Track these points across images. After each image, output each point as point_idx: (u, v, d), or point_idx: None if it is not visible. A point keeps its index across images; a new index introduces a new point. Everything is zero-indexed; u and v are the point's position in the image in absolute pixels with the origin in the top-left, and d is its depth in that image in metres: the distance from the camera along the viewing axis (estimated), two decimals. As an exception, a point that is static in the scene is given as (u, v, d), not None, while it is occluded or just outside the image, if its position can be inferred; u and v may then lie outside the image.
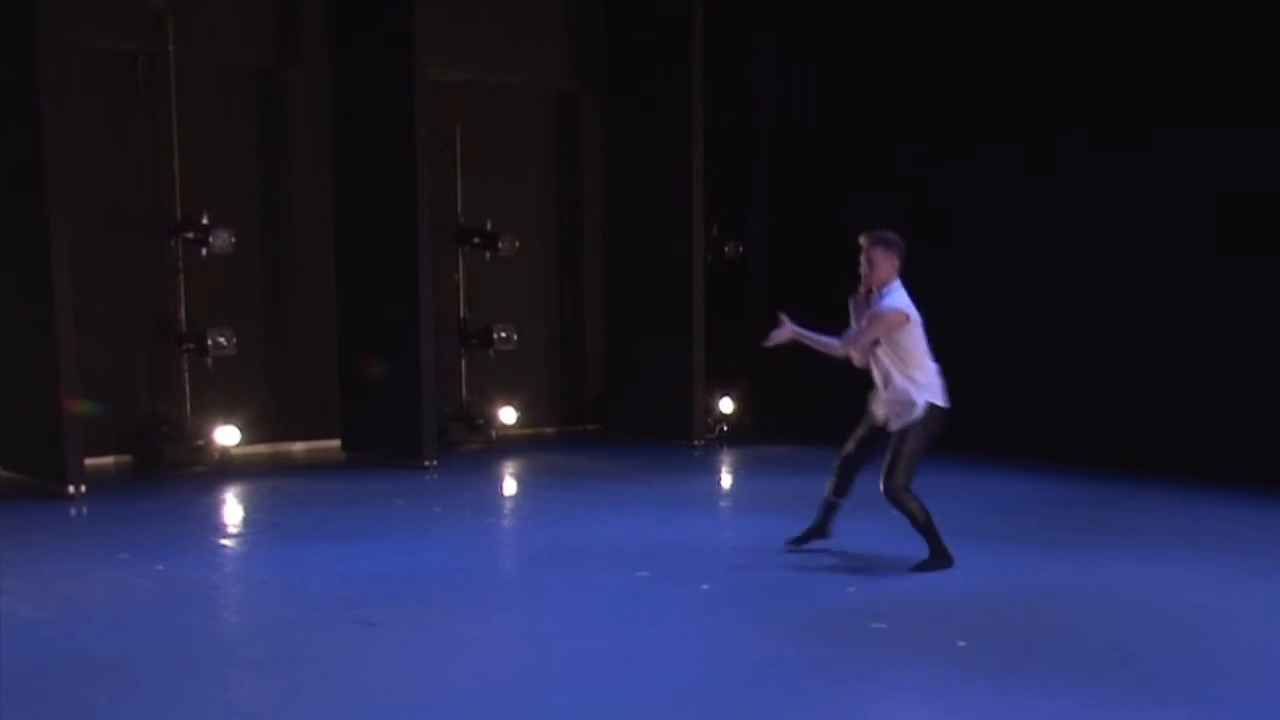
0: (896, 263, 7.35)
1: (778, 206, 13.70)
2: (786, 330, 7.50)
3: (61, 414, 9.74)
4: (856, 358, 7.46)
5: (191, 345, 11.31)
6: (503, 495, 10.98)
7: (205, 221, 11.20)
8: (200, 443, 11.42)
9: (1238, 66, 10.08)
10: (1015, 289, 11.46)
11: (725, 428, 13.45)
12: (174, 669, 5.71)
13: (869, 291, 7.41)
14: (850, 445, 7.71)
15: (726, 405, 13.47)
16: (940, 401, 7.38)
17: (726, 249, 13.74)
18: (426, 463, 11.24)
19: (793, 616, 6.53)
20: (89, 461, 10.23)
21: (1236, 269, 10.16)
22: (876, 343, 7.33)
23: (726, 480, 11.23)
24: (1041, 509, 9.38)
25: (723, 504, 10.11)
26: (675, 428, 12.82)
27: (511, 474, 11.72)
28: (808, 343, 7.55)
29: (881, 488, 7.44)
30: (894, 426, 7.40)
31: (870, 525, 8.78)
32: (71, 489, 9.78)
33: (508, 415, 13.15)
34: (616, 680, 5.58)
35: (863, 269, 7.41)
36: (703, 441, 12.74)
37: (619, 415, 13.62)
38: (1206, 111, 10.23)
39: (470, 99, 12.89)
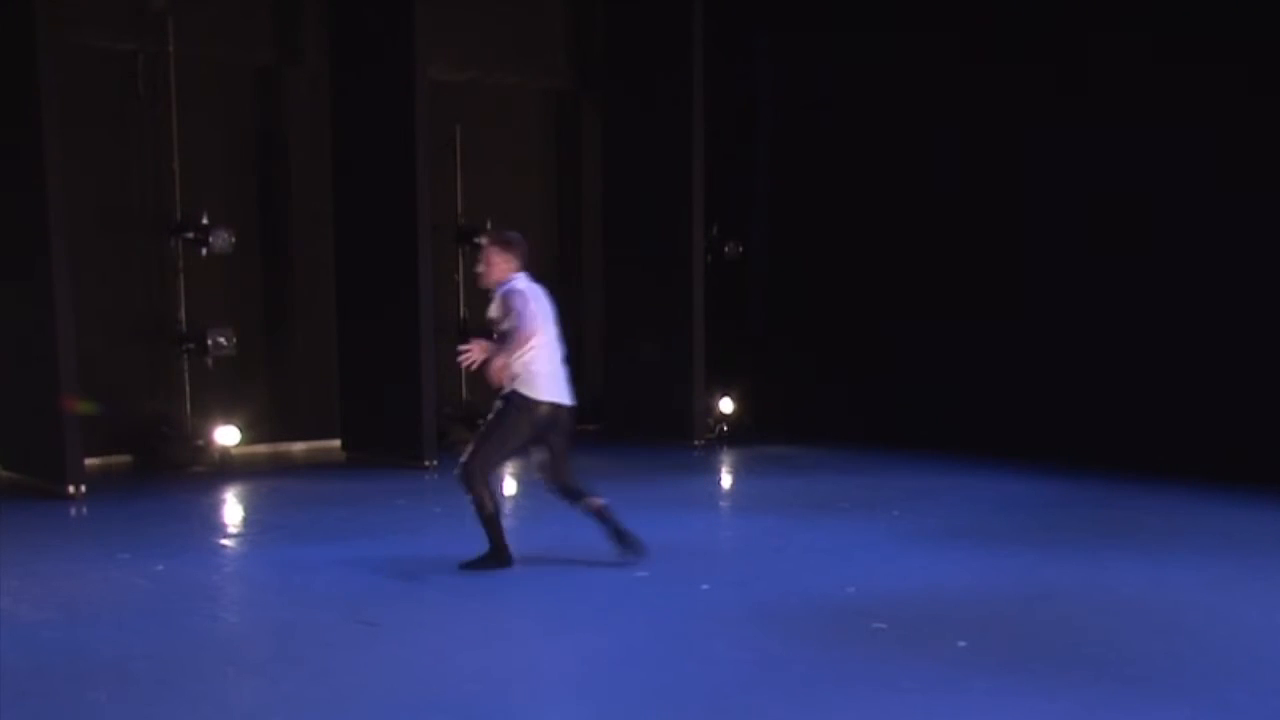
0: (515, 261, 7.46)
1: (778, 206, 13.70)
2: (476, 349, 7.50)
3: (61, 414, 9.75)
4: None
5: (191, 345, 11.33)
6: (502, 495, 10.96)
7: (205, 221, 11.21)
8: (200, 443, 11.42)
9: None
10: (1014, 287, 11.46)
11: (725, 428, 13.44)
12: (174, 669, 5.71)
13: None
14: (547, 475, 7.80)
15: (726, 405, 13.47)
16: (540, 397, 7.57)
17: (726, 249, 13.73)
18: (426, 463, 11.25)
19: (793, 616, 6.52)
20: (89, 461, 10.25)
21: (1237, 269, 10.16)
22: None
23: (726, 480, 11.22)
24: (1041, 509, 9.38)
25: (722, 504, 10.10)
26: (675, 428, 12.82)
27: (511, 474, 11.71)
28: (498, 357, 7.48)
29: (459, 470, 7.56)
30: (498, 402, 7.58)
31: (869, 525, 8.80)
32: (71, 489, 9.79)
33: (508, 415, 13.13)
34: (616, 680, 5.58)
35: (480, 269, 7.54)
36: (702, 441, 12.74)
37: (618, 415, 13.61)
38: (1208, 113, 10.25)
39: (470, 99, 12.89)
